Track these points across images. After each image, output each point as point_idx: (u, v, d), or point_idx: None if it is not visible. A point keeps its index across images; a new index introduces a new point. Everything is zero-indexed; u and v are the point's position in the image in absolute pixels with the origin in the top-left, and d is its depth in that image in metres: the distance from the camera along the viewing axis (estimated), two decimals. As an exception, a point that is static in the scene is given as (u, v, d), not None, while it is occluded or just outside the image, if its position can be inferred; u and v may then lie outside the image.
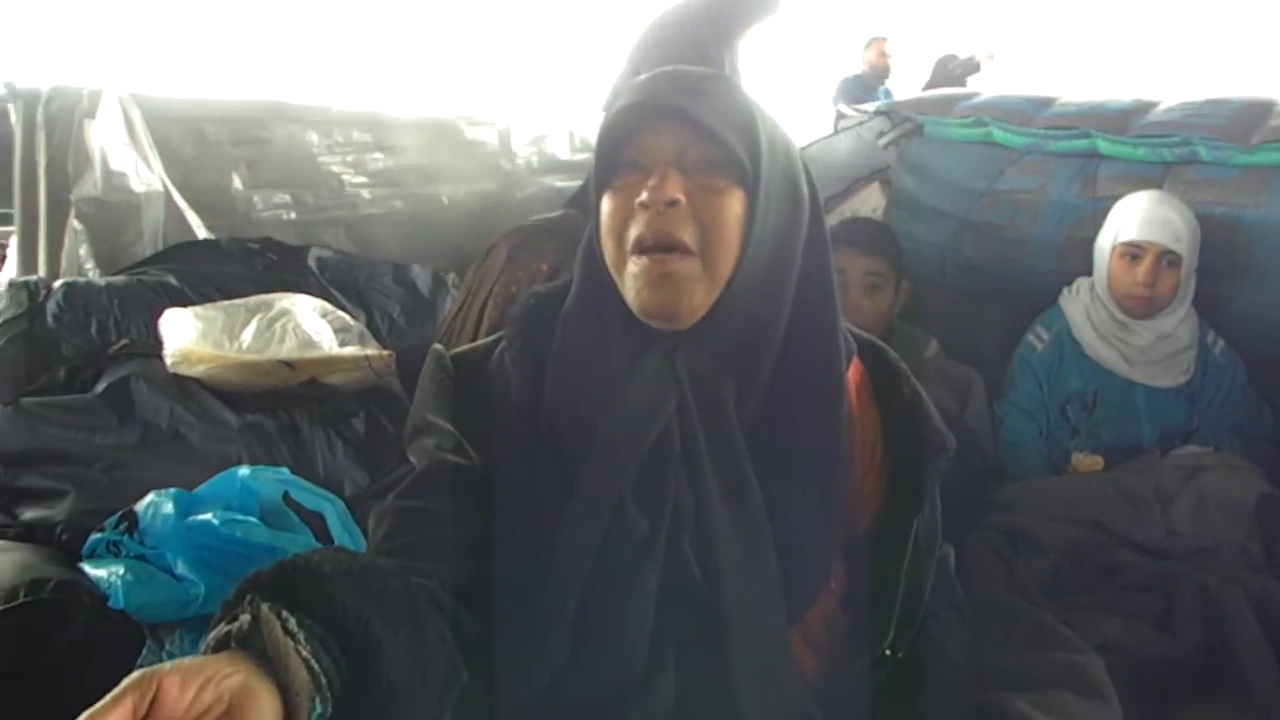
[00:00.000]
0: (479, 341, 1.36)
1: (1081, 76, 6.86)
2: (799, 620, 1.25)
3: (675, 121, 1.18)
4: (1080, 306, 2.56)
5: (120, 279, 2.40)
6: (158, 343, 2.15)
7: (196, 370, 2.06)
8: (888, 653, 1.27)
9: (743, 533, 1.18)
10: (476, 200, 3.27)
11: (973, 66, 7.04)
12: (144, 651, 1.52)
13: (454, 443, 1.22)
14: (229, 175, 2.80)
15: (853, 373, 1.33)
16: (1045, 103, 3.05)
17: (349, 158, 3.02)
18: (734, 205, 1.18)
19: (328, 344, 2.24)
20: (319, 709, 0.87)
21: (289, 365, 2.13)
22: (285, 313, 2.25)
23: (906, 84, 7.22)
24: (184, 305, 2.29)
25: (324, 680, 0.88)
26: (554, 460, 1.18)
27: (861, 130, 3.46)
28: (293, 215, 2.92)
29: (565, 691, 1.14)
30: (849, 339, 1.33)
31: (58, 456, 1.91)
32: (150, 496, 1.71)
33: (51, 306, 2.24)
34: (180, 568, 1.59)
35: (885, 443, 1.33)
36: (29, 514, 1.84)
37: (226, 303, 2.32)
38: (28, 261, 2.57)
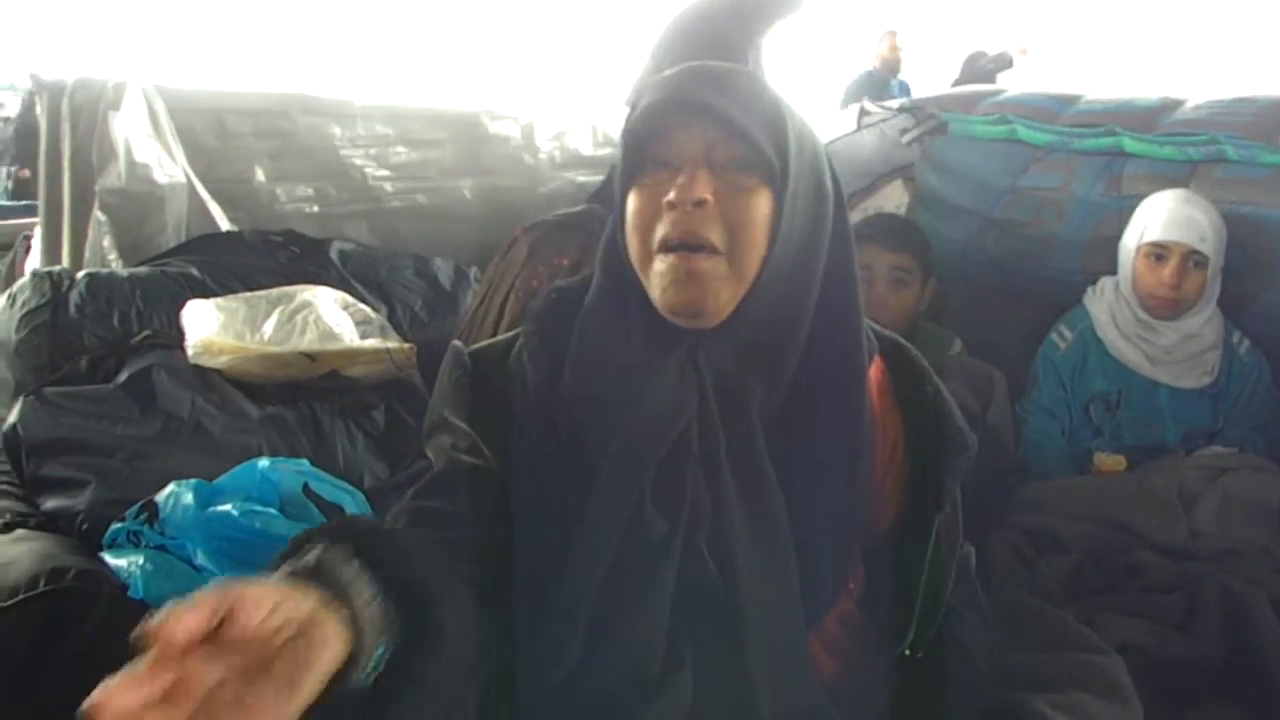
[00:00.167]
0: (498, 338, 1.36)
1: (1111, 73, 6.81)
2: (818, 622, 1.25)
3: (704, 119, 1.17)
4: (1104, 306, 2.55)
5: (143, 270, 2.41)
6: (179, 334, 2.15)
7: (218, 361, 2.07)
8: (907, 653, 1.26)
9: (760, 534, 1.18)
10: (499, 194, 3.27)
11: (1005, 62, 7.00)
12: (163, 641, 1.53)
13: (470, 443, 1.22)
14: (252, 167, 2.81)
15: (874, 371, 1.32)
16: (1070, 100, 3.04)
17: (372, 151, 3.03)
18: (761, 205, 1.17)
19: (349, 336, 2.25)
20: (380, 649, 0.90)
21: (310, 357, 2.13)
22: (307, 305, 2.25)
23: (924, 78, 7.20)
24: (206, 297, 2.30)
25: (387, 621, 0.91)
26: (571, 458, 1.18)
27: (885, 127, 3.45)
28: (315, 208, 2.93)
29: (582, 690, 1.14)
30: (871, 337, 1.33)
31: (79, 446, 1.92)
32: (171, 487, 1.72)
33: (74, 297, 2.25)
34: (200, 558, 1.60)
35: (906, 442, 1.33)
36: (50, 503, 1.84)
37: (248, 294, 2.33)
38: (52, 252, 2.58)
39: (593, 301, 1.26)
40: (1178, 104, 2.84)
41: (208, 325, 2.14)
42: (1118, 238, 2.57)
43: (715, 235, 1.15)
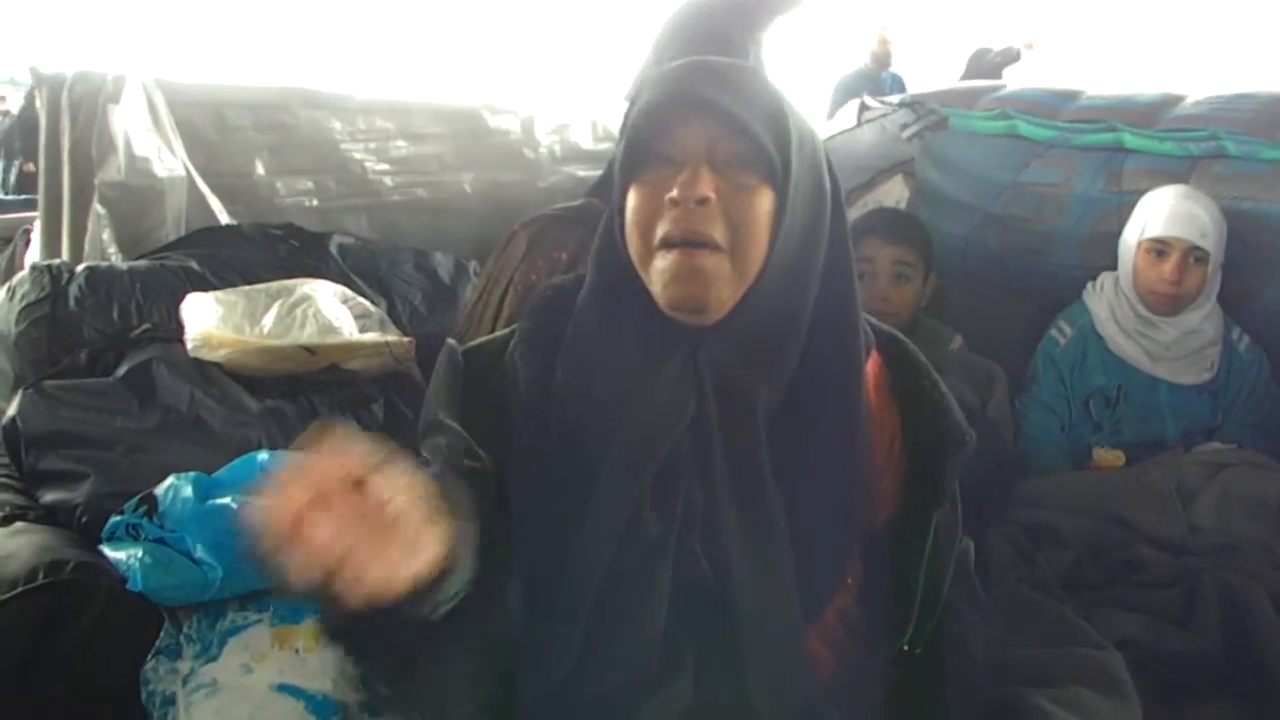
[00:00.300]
0: (492, 335, 1.36)
1: (1115, 67, 6.81)
2: (816, 618, 1.25)
3: (707, 115, 1.17)
4: (1104, 302, 2.55)
5: (142, 263, 2.41)
6: (179, 327, 2.15)
7: (217, 355, 2.07)
8: (905, 648, 1.26)
9: (756, 532, 1.18)
10: (499, 189, 3.27)
11: (1012, 56, 6.99)
12: (161, 634, 1.53)
13: (465, 445, 1.21)
14: (252, 161, 2.81)
15: (871, 366, 1.32)
16: (1071, 96, 3.03)
17: (372, 145, 3.03)
18: (763, 203, 1.17)
19: (348, 330, 2.25)
20: (470, 572, 1.00)
21: (309, 350, 2.13)
22: (306, 298, 2.25)
23: (918, 71, 7.20)
24: (205, 290, 2.30)
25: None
26: (565, 459, 1.17)
27: (885, 122, 3.44)
28: (315, 201, 2.93)
29: (582, 688, 1.14)
30: (868, 332, 1.32)
31: (79, 439, 1.92)
32: (170, 480, 1.72)
33: (74, 290, 2.25)
34: (199, 551, 1.60)
35: (904, 437, 1.32)
36: (49, 496, 1.84)
37: (248, 288, 2.33)
38: (51, 245, 2.58)
39: (587, 299, 1.26)
40: (1178, 99, 2.84)
41: (207, 318, 2.14)
42: (1118, 233, 2.56)
43: (718, 233, 1.15)
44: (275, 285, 2.33)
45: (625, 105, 3.76)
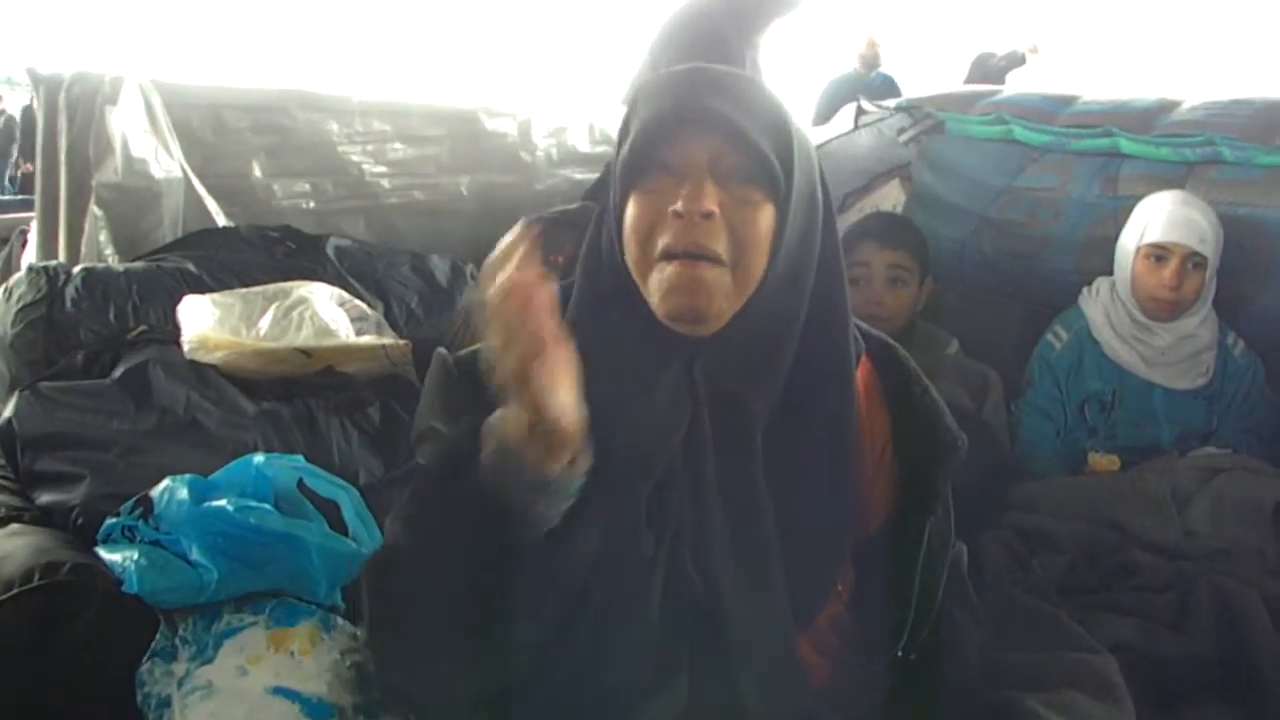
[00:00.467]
0: (483, 343, 1.35)
1: (1118, 71, 6.82)
2: (808, 626, 1.25)
3: (712, 126, 1.17)
4: (1100, 307, 2.55)
5: (139, 265, 2.41)
6: (175, 329, 2.15)
7: (214, 357, 2.07)
8: (899, 654, 1.27)
9: (745, 544, 1.18)
10: (496, 191, 3.27)
11: (1016, 60, 7.01)
12: (157, 636, 1.53)
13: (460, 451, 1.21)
14: (249, 163, 2.80)
15: (861, 372, 1.32)
16: (1067, 101, 3.04)
17: (369, 147, 3.03)
18: (765, 218, 1.18)
19: (344, 333, 2.25)
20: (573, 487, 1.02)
21: (305, 353, 2.13)
22: (303, 301, 2.25)
23: (909, 72, 7.23)
24: (202, 292, 2.30)
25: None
26: None
27: (882, 126, 3.45)
28: (312, 204, 2.93)
29: (577, 695, 1.14)
30: (858, 338, 1.33)
31: (74, 441, 1.92)
32: (166, 482, 1.71)
33: (70, 292, 2.25)
34: (194, 553, 1.59)
35: (895, 443, 1.33)
36: (45, 498, 1.84)
37: (244, 290, 2.33)
38: (48, 246, 2.58)
39: (578, 308, 1.25)
40: (1174, 105, 2.85)
41: (204, 321, 2.14)
42: (1113, 238, 2.57)
43: (720, 247, 1.15)
44: (272, 288, 2.33)
45: (623, 109, 3.79)
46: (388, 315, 2.58)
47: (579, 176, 3.45)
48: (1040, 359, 2.60)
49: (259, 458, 1.78)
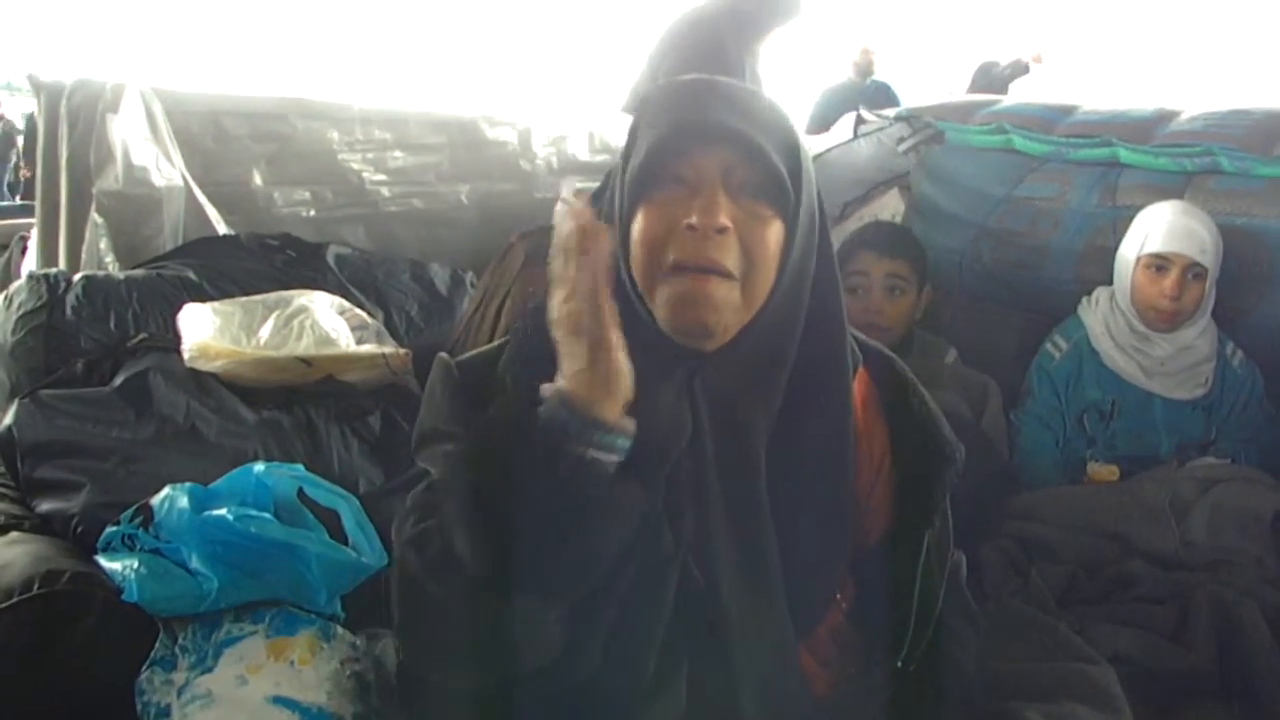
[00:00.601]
0: (484, 349, 1.35)
1: (1122, 83, 6.83)
2: (809, 636, 1.25)
3: (725, 140, 1.17)
4: (1099, 317, 2.56)
5: (140, 273, 2.41)
6: (176, 337, 2.15)
7: (214, 365, 2.07)
8: (899, 665, 1.27)
9: (747, 556, 1.19)
10: (496, 200, 3.27)
11: (1020, 69, 7.03)
12: (156, 645, 1.53)
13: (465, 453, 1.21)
14: (249, 171, 2.81)
15: (859, 383, 1.32)
16: (1066, 110, 3.05)
17: (369, 155, 3.03)
18: (775, 235, 1.18)
19: (345, 341, 2.24)
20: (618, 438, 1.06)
21: (306, 362, 2.13)
22: (303, 310, 2.25)
23: (921, 82, 7.24)
24: (202, 300, 2.29)
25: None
26: None
27: (881, 135, 3.46)
28: (312, 212, 2.93)
29: (577, 694, 1.14)
30: (855, 350, 1.33)
31: (74, 449, 1.92)
32: (166, 491, 1.71)
33: (71, 299, 2.25)
34: (194, 562, 1.59)
35: (894, 454, 1.33)
36: (45, 506, 1.84)
37: (244, 299, 2.33)
38: (48, 254, 2.58)
39: None
40: (1173, 115, 2.85)
41: (204, 329, 2.14)
42: (1113, 248, 2.58)
43: (731, 262, 1.15)
44: (273, 296, 2.32)
45: (623, 117, 3.79)
46: (388, 323, 2.58)
47: (579, 185, 3.45)
48: (1039, 369, 2.60)
49: (259, 466, 1.78)
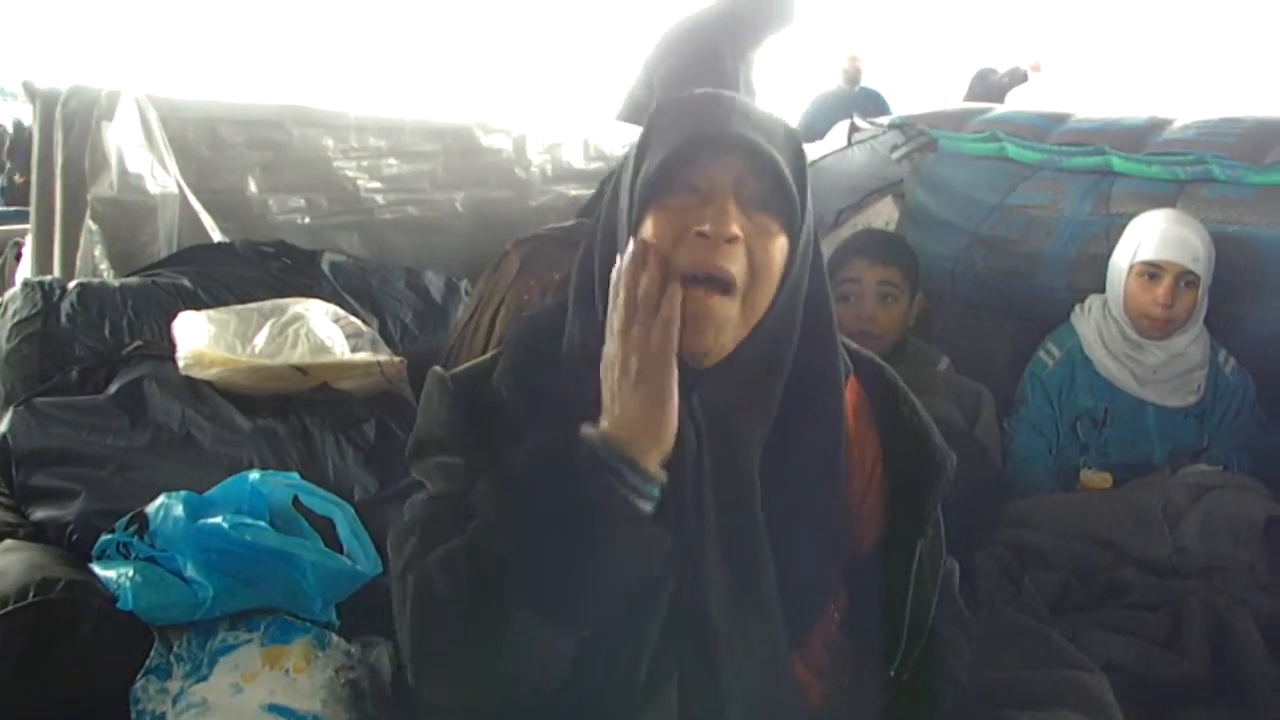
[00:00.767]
0: (477, 360, 1.36)
1: (1120, 92, 6.85)
2: (802, 646, 1.26)
3: (739, 152, 1.18)
4: (1092, 325, 2.57)
5: (134, 280, 2.41)
6: (171, 345, 2.15)
7: (209, 373, 2.07)
8: (892, 674, 1.27)
9: (739, 574, 1.19)
10: (490, 207, 3.27)
11: (1019, 77, 7.05)
12: (151, 653, 1.53)
13: (462, 465, 1.22)
14: (244, 178, 2.80)
15: (850, 392, 1.33)
16: (1059, 119, 3.05)
17: (364, 162, 3.03)
18: (780, 249, 1.19)
19: (340, 349, 2.25)
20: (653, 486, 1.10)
21: (301, 370, 2.13)
22: (298, 318, 2.25)
23: (911, 90, 7.27)
24: (197, 308, 2.29)
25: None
26: None
27: (875, 143, 3.46)
28: (307, 219, 2.93)
29: (568, 701, 1.14)
30: (846, 359, 1.34)
31: (69, 457, 1.92)
32: (161, 499, 1.71)
33: (66, 307, 2.25)
34: (189, 570, 1.60)
35: (885, 462, 1.34)
36: (40, 514, 1.84)
37: (240, 307, 2.32)
38: (43, 261, 2.58)
39: (572, 337, 1.26)
40: (1166, 123, 2.86)
41: (199, 337, 2.14)
42: (1105, 256, 2.58)
43: (737, 271, 1.16)
44: (268, 304, 2.33)
45: (618, 125, 3.80)
46: (382, 331, 2.58)
47: (573, 192, 3.46)
48: (1032, 376, 2.61)
49: (254, 474, 1.78)
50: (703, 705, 1.17)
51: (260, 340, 2.20)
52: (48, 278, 2.37)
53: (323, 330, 2.25)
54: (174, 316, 2.22)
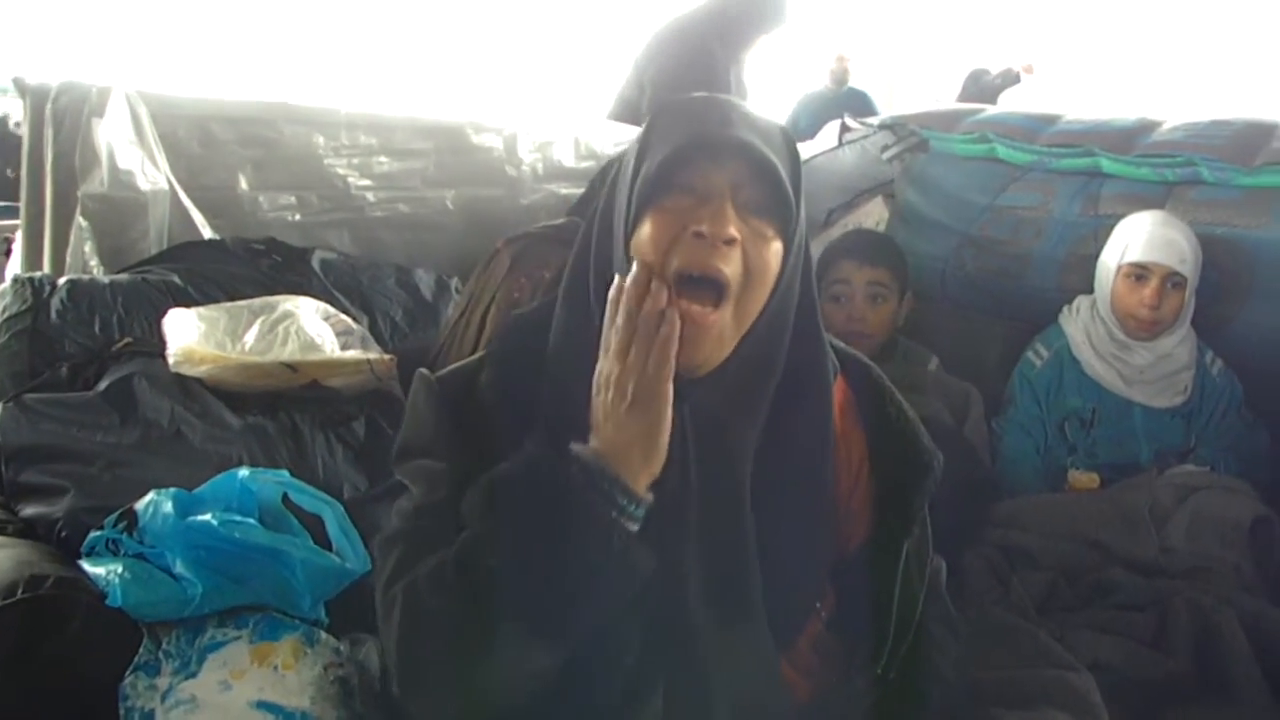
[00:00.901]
0: (462, 363, 1.35)
1: (1112, 94, 6.86)
2: (789, 647, 1.26)
3: (740, 157, 1.19)
4: (1080, 325, 2.57)
5: (124, 277, 2.40)
6: (161, 342, 2.15)
7: (199, 370, 2.07)
8: (879, 672, 1.27)
9: (724, 582, 1.20)
10: (481, 205, 3.27)
11: (1011, 79, 7.07)
12: (140, 650, 1.53)
13: (445, 474, 1.22)
14: (235, 175, 2.80)
15: (837, 392, 1.33)
16: (1049, 120, 3.06)
17: (355, 160, 3.02)
18: (775, 255, 1.19)
19: (329, 347, 2.24)
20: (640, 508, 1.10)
21: (291, 367, 2.13)
22: (288, 315, 2.25)
23: (884, 88, 7.30)
24: (187, 305, 2.29)
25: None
26: None
27: (866, 143, 3.47)
28: (297, 216, 2.92)
29: (551, 708, 1.14)
30: (834, 359, 1.34)
31: (59, 453, 1.91)
32: (150, 496, 1.71)
33: (55, 303, 2.24)
34: (178, 567, 1.60)
35: (872, 462, 1.34)
36: (29, 510, 1.83)
37: (230, 304, 2.32)
38: (33, 257, 2.57)
39: (563, 338, 1.26)
40: (1155, 125, 2.87)
41: (189, 334, 2.14)
42: (1094, 257, 2.59)
43: (732, 274, 1.16)
44: (258, 302, 2.32)
45: (608, 124, 3.80)
46: (372, 329, 2.58)
47: (564, 191, 3.46)
48: (1021, 376, 2.62)
49: (243, 472, 1.78)
50: (690, 713, 1.17)
51: (250, 337, 2.20)
52: (37, 274, 2.37)
53: (313, 328, 2.25)
54: (164, 313, 2.22)
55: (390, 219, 3.12)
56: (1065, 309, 2.65)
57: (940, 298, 3.03)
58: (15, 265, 2.66)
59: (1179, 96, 6.33)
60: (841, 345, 1.40)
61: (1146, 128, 2.87)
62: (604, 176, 3.31)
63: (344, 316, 2.43)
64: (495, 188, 3.33)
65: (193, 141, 2.71)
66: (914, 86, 8.04)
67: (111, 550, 1.66)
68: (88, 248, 2.49)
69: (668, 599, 1.16)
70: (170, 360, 2.08)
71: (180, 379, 2.07)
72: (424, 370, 1.32)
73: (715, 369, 1.18)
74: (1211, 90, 6.56)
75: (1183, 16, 7.34)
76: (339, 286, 2.67)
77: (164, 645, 1.55)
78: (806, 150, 3.47)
